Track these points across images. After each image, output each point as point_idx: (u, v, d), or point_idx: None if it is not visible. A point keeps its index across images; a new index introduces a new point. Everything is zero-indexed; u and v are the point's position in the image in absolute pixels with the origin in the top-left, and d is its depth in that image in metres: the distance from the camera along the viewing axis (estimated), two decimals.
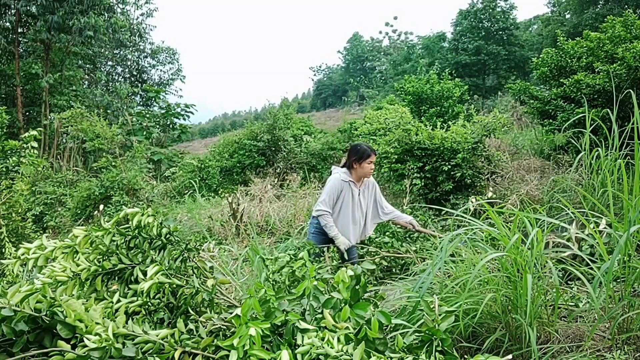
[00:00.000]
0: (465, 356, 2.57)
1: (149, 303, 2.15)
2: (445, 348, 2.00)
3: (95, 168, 12.32)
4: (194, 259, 2.42)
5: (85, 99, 19.59)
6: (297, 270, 2.48)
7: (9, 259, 2.24)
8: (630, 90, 4.96)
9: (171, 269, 2.25)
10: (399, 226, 5.07)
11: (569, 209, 3.09)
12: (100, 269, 2.19)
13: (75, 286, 2.18)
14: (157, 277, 2.10)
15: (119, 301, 2.11)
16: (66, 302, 1.85)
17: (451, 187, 7.19)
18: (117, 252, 2.26)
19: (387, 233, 6.17)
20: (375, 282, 4.32)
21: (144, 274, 2.15)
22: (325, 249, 4.19)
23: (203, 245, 5.98)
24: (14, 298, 1.81)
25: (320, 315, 2.05)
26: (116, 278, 2.26)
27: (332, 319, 1.95)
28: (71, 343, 1.80)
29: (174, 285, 2.20)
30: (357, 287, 2.07)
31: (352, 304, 2.02)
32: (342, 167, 4.36)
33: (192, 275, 2.33)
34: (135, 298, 2.13)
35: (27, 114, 19.60)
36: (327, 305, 2.04)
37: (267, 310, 2.00)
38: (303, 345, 1.85)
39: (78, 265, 2.18)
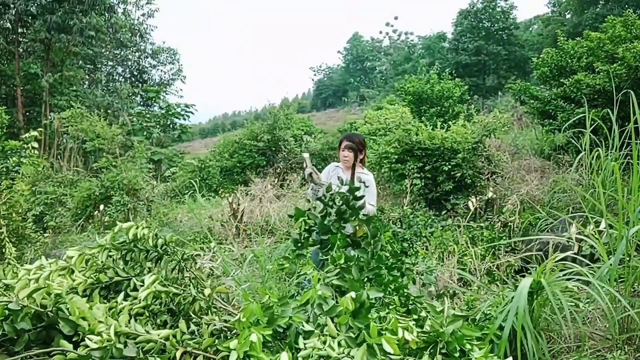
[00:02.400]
0: None
1: (152, 307, 2.15)
2: (450, 351, 2.00)
3: (95, 168, 12.31)
4: (191, 269, 2.43)
5: (86, 99, 19.55)
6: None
7: (9, 259, 2.25)
8: (630, 91, 4.96)
9: (168, 279, 2.26)
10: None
11: (569, 210, 3.09)
12: (97, 282, 2.20)
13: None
14: (154, 286, 2.10)
15: (122, 303, 2.11)
16: (71, 299, 1.86)
17: (451, 187, 7.19)
18: (113, 266, 2.27)
19: (387, 233, 6.17)
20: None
21: (142, 282, 2.16)
22: None
23: (204, 245, 5.99)
24: (22, 293, 1.82)
25: (323, 321, 2.04)
26: (113, 292, 2.26)
27: (335, 329, 1.94)
28: (73, 340, 1.81)
29: (172, 294, 2.21)
30: (361, 309, 2.04)
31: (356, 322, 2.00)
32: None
33: (189, 285, 2.33)
34: (137, 301, 2.13)
35: (28, 114, 19.58)
36: (331, 313, 2.02)
37: (270, 316, 1.98)
38: (305, 349, 1.84)
39: (74, 280, 2.18)
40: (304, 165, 3.96)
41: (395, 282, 2.48)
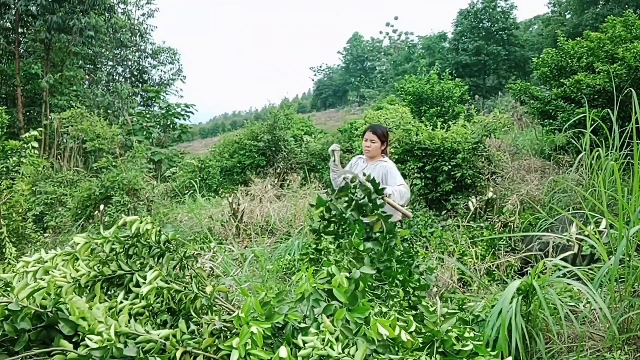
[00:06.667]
0: None
1: (152, 305, 2.15)
2: (447, 349, 2.00)
3: (95, 168, 12.31)
4: (192, 267, 2.42)
5: (86, 99, 19.55)
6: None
7: (9, 259, 2.25)
8: (632, 89, 4.97)
9: (170, 276, 2.25)
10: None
11: (569, 210, 3.10)
12: (100, 275, 2.19)
13: (74, 292, 2.17)
14: (157, 282, 2.10)
15: (121, 302, 2.11)
16: (71, 299, 1.86)
17: (451, 187, 7.19)
18: (117, 259, 2.26)
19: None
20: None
21: (144, 278, 2.16)
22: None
23: (204, 245, 5.99)
24: (21, 294, 1.82)
25: (320, 320, 2.05)
26: (115, 286, 2.26)
27: (331, 325, 1.94)
28: (73, 341, 1.81)
29: (173, 291, 2.20)
30: (356, 291, 2.05)
31: (351, 308, 2.01)
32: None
33: (191, 283, 2.33)
34: (137, 300, 2.13)
35: (28, 114, 19.57)
36: (326, 312, 2.03)
37: (268, 312, 1.99)
38: (304, 349, 1.85)
39: (77, 271, 2.18)
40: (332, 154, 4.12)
41: (402, 274, 2.49)
